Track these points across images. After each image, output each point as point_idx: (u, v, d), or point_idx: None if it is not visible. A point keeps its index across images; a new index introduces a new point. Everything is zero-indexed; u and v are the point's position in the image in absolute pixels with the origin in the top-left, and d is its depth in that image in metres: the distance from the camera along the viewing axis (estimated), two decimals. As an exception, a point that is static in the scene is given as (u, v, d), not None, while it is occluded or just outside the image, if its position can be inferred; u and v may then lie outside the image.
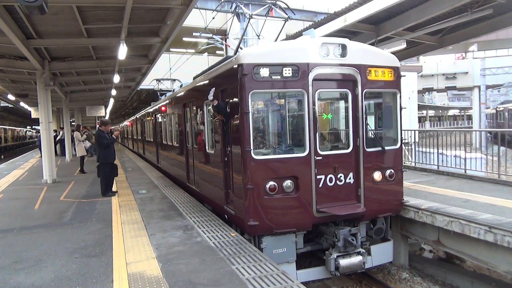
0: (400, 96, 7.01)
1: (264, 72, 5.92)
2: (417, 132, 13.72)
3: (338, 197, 6.44)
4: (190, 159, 9.76)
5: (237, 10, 10.38)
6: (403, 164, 7.32)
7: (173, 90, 15.07)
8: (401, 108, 7.04)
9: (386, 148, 6.81)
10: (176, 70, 21.96)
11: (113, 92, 20.96)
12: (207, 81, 8.03)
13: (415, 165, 12.29)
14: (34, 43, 10.49)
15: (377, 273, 7.63)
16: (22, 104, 24.94)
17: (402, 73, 7.02)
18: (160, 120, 14.67)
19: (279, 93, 6.43)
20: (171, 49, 24.13)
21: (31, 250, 5.90)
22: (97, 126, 10.93)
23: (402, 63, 7.89)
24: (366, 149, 6.56)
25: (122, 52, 10.50)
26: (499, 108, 36.15)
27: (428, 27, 11.13)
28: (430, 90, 49.19)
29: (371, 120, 7.06)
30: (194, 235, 6.25)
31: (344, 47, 6.39)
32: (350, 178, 6.51)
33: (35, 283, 4.65)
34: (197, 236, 6.18)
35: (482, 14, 9.80)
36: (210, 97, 6.70)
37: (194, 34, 16.86)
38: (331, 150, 6.73)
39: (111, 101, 26.68)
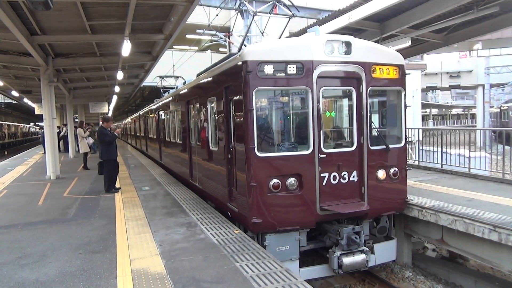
0: (405, 94, 6.97)
1: (268, 69, 5.90)
2: (420, 131, 13.67)
3: (342, 195, 6.42)
4: (193, 156, 9.77)
5: (241, 7, 10.39)
6: (407, 162, 7.29)
7: (176, 87, 15.07)
8: (405, 106, 7.01)
9: (390, 146, 6.78)
10: (179, 67, 21.97)
11: (117, 88, 20.97)
12: (210, 78, 8.02)
13: (418, 163, 12.24)
14: (38, 39, 10.49)
15: (380, 271, 7.62)
16: (25, 100, 24.98)
17: (406, 71, 6.99)
18: (163, 117, 14.68)
19: (283, 91, 6.41)
20: (174, 46, 24.11)
21: (35, 245, 5.93)
22: (100, 122, 10.95)
23: (406, 61, 7.85)
24: (370, 147, 6.54)
25: (126, 48, 10.49)
26: (503, 107, 36.00)
27: (433, 25, 11.06)
28: (434, 88, 49.05)
29: (375, 118, 7.03)
30: (197, 232, 6.25)
31: (348, 44, 6.35)
32: (354, 176, 6.49)
33: (40, 279, 4.67)
34: (201, 233, 6.19)
35: (487, 12, 9.72)
36: None
37: (198, 31, 16.88)
38: (335, 148, 6.70)
39: (114, 98, 26.72)
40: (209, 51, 26.79)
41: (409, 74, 7.26)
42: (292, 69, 5.99)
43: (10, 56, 12.23)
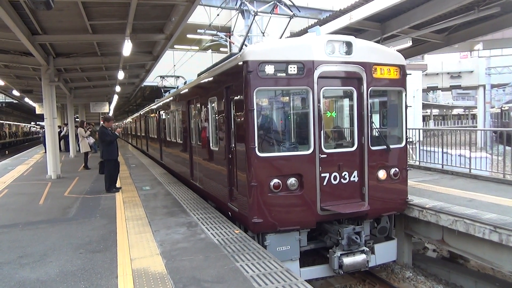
0: (406, 95, 6.97)
1: (269, 69, 5.90)
2: (421, 131, 13.66)
3: (342, 195, 6.42)
4: (194, 156, 9.77)
5: (242, 7, 10.40)
6: (408, 162, 7.30)
7: (177, 87, 15.07)
8: (406, 107, 7.00)
9: (391, 146, 6.78)
10: (180, 67, 21.98)
11: (117, 88, 21.00)
12: (211, 78, 8.02)
13: (419, 164, 12.24)
14: (39, 39, 10.51)
15: (380, 271, 7.62)
16: (26, 100, 25.02)
17: (407, 71, 6.99)
18: (164, 117, 14.69)
19: (284, 91, 6.41)
20: (175, 46, 24.13)
21: (36, 245, 5.93)
22: (101, 122, 10.96)
23: (407, 61, 7.85)
24: (370, 147, 6.54)
25: (127, 48, 10.50)
26: (504, 107, 35.96)
27: (434, 25, 11.06)
28: (434, 88, 48.98)
29: (376, 118, 7.03)
30: (198, 232, 6.26)
31: (349, 44, 6.35)
32: (354, 177, 6.49)
33: (40, 278, 4.67)
34: (201, 233, 6.19)
35: (488, 13, 9.71)
36: None
37: (199, 31, 16.90)
38: (335, 148, 6.71)
39: (115, 97, 26.76)
40: (210, 51, 26.81)
41: (410, 74, 7.26)
42: (293, 69, 6.00)
43: (11, 55, 12.24)
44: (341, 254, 6.23)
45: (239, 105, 6.29)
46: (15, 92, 20.80)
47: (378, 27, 11.53)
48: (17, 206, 8.83)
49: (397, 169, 6.82)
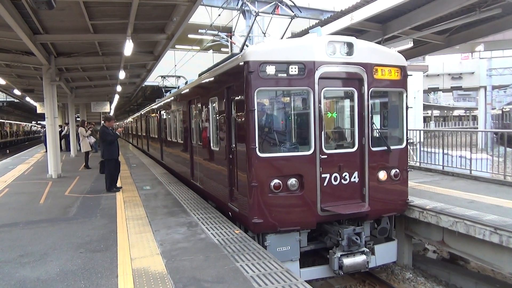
0: (407, 96, 6.97)
1: (270, 69, 5.91)
2: (422, 132, 13.65)
3: (343, 196, 6.42)
4: (195, 156, 9.78)
5: (243, 8, 10.39)
6: (408, 164, 7.30)
7: (178, 87, 15.08)
8: (407, 108, 7.01)
9: (392, 147, 6.78)
10: (181, 67, 22.00)
11: (118, 88, 21.03)
12: (212, 78, 8.03)
13: (420, 165, 12.24)
14: (41, 39, 10.53)
15: (380, 272, 7.61)
16: (27, 99, 25.05)
17: (408, 72, 6.99)
18: (164, 116, 14.70)
19: (285, 91, 6.41)
20: (176, 46, 24.13)
21: (37, 244, 5.94)
22: (102, 121, 10.97)
23: (408, 62, 7.86)
24: (371, 148, 6.54)
25: (128, 48, 10.52)
26: (505, 109, 35.98)
27: (435, 26, 11.05)
28: (435, 90, 48.99)
29: (376, 119, 7.03)
30: (198, 232, 6.26)
31: (350, 45, 6.36)
32: (355, 177, 6.49)
33: (41, 277, 4.68)
34: (201, 233, 6.19)
35: (490, 14, 9.71)
36: None
37: (200, 31, 16.91)
38: (336, 148, 6.70)
39: (116, 97, 26.78)
40: (211, 51, 26.81)
41: (411, 75, 7.26)
42: (294, 70, 6.00)
43: (12, 55, 12.26)
44: (341, 255, 6.23)
45: (240, 105, 6.30)
46: (16, 91, 20.82)
47: (379, 28, 11.52)
48: (17, 205, 8.84)
49: (397, 170, 6.83)
